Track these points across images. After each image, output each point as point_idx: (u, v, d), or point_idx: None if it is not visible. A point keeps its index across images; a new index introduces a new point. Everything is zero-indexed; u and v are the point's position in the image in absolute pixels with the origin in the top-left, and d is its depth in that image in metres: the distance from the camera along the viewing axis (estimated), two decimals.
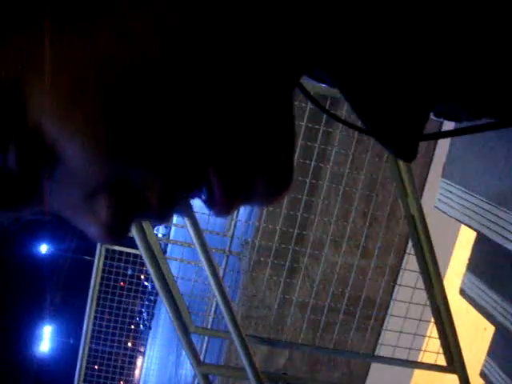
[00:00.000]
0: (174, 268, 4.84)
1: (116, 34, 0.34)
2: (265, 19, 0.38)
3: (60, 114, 0.34)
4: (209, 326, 4.77)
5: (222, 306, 2.66)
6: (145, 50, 0.34)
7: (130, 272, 8.13)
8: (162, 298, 2.60)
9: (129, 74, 0.34)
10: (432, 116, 0.58)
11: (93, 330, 6.49)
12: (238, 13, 0.37)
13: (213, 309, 4.92)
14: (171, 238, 11.45)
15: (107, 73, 0.34)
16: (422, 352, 3.49)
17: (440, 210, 3.45)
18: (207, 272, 2.63)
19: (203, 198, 0.42)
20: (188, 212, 0.44)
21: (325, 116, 3.58)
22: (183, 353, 3.21)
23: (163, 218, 0.41)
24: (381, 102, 0.50)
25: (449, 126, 4.18)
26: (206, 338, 5.15)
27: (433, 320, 2.96)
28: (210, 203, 0.41)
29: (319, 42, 0.42)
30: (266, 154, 0.40)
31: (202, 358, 3.03)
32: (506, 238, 2.83)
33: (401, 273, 4.06)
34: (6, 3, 0.32)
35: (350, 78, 0.48)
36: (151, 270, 2.51)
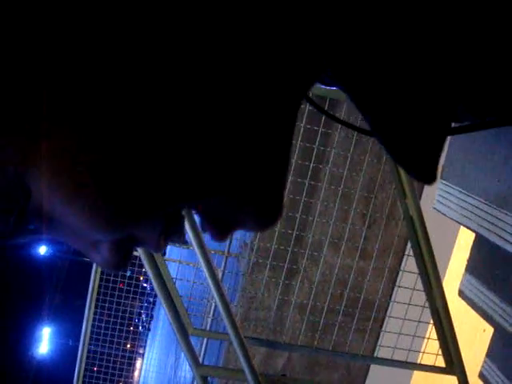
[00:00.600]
0: (173, 269, 4.84)
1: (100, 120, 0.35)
2: (270, 35, 0.37)
3: (60, 197, 0.36)
4: (207, 328, 4.76)
5: (220, 308, 2.66)
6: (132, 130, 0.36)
7: (128, 273, 8.14)
8: (160, 300, 2.60)
9: (122, 154, 0.36)
10: None
11: (92, 332, 6.48)
12: (246, 28, 0.36)
13: (211, 310, 4.92)
14: None
15: (99, 159, 0.35)
16: (421, 353, 3.49)
17: (439, 211, 3.45)
18: (206, 273, 2.63)
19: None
20: (182, 241, 0.46)
21: (323, 117, 3.57)
22: (182, 354, 3.20)
23: (160, 251, 0.45)
24: (396, 116, 0.47)
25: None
26: (205, 339, 5.15)
27: (432, 322, 2.96)
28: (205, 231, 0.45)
29: (328, 50, 0.42)
30: (257, 188, 0.41)
31: (200, 359, 3.03)
32: (505, 240, 2.83)
33: (400, 274, 4.06)
34: (2, 105, 0.34)
35: (361, 89, 0.47)
36: (150, 272, 2.51)
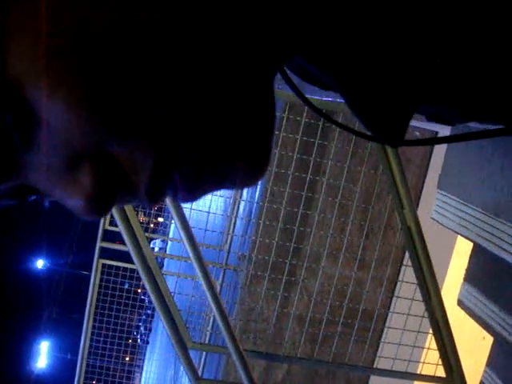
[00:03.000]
0: (171, 283, 4.83)
1: None
2: (247, 3, 0.37)
3: (40, 70, 0.33)
4: (206, 341, 4.75)
5: (219, 321, 2.65)
6: (124, 13, 0.33)
7: (126, 286, 8.11)
8: (159, 314, 2.59)
9: (109, 32, 0.33)
10: (426, 124, 0.57)
11: (90, 345, 6.46)
12: None
13: (210, 323, 4.91)
14: (168, 252, 11.42)
15: (86, 31, 0.33)
16: (421, 364, 3.48)
17: (436, 221, 3.45)
18: (204, 286, 2.63)
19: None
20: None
21: (320, 129, 3.58)
22: (181, 368, 3.19)
23: (151, 202, 0.40)
24: (370, 86, 0.49)
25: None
26: (204, 352, 5.13)
27: (431, 331, 2.95)
28: (175, 189, 0.40)
29: (306, 27, 0.42)
30: (244, 136, 0.40)
31: (200, 372, 3.01)
32: (503, 249, 2.83)
33: (398, 284, 4.06)
34: None
35: (339, 64, 0.48)
36: (148, 286, 2.51)
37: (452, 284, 3.69)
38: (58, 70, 0.33)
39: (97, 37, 0.33)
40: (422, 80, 0.49)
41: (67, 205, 0.38)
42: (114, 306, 7.59)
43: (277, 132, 3.85)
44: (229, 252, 5.11)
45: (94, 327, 6.60)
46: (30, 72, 0.33)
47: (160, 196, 0.39)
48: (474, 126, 0.55)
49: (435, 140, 0.58)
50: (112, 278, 6.89)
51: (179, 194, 0.40)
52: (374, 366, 4.02)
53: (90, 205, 0.37)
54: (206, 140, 0.38)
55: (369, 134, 0.53)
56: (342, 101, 0.50)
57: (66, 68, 0.33)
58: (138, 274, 2.56)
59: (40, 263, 32.49)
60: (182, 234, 2.55)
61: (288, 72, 0.53)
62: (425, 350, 3.48)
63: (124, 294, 8.10)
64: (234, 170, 0.41)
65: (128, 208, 2.42)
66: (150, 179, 0.38)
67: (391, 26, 0.44)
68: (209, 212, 4.41)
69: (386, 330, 4.18)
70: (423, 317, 3.30)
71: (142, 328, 18.77)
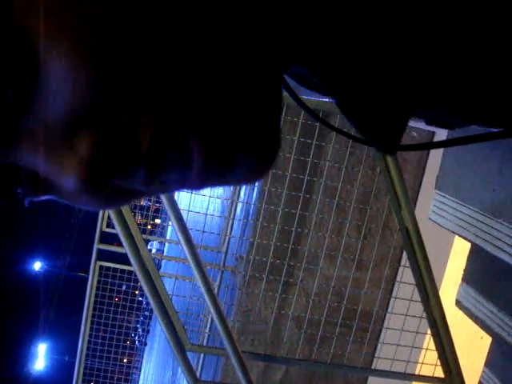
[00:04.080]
0: (169, 285, 4.82)
1: None
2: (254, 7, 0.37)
3: (47, 18, 0.31)
4: (204, 343, 4.74)
5: (217, 323, 2.65)
6: None
7: (124, 288, 8.11)
8: (157, 317, 2.59)
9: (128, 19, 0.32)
10: (424, 124, 0.57)
11: (88, 347, 6.45)
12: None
13: (208, 325, 4.90)
14: (165, 253, 11.42)
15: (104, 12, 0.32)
16: (419, 364, 3.48)
17: (434, 221, 3.45)
18: (201, 288, 2.62)
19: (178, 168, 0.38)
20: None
21: (317, 130, 3.58)
22: (179, 369, 3.19)
23: (150, 177, 0.37)
24: (366, 97, 0.49)
25: (441, 137, 4.20)
26: (202, 354, 5.13)
27: (430, 332, 2.95)
28: (185, 172, 0.38)
29: (305, 36, 0.42)
30: (253, 123, 0.39)
31: (198, 374, 3.01)
32: (501, 249, 2.83)
33: (396, 285, 4.06)
34: None
35: (335, 74, 0.48)
36: (146, 288, 2.50)
37: (450, 284, 3.69)
38: (67, 20, 0.31)
39: None
40: (418, 87, 0.49)
41: (60, 184, 0.35)
42: (112, 308, 7.59)
43: None
44: (226, 253, 5.10)
45: (91, 329, 6.60)
46: (37, 19, 0.31)
47: (159, 171, 0.37)
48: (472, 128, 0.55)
49: (431, 144, 0.58)
50: (110, 279, 6.88)
51: (186, 177, 0.38)
52: (373, 367, 4.02)
53: (85, 179, 0.34)
54: (216, 120, 0.37)
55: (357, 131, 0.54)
56: None
57: (76, 19, 0.31)
58: (135, 275, 2.56)
59: (37, 265, 32.47)
60: (180, 235, 2.55)
61: (284, 75, 0.53)
62: (423, 351, 3.48)
63: (122, 296, 8.10)
64: (243, 157, 0.39)
65: (125, 210, 2.42)
66: (150, 145, 0.35)
67: (389, 34, 0.44)
68: (206, 213, 4.40)
69: (384, 331, 4.17)
70: (421, 317, 3.30)
71: (139, 330, 18.76)
